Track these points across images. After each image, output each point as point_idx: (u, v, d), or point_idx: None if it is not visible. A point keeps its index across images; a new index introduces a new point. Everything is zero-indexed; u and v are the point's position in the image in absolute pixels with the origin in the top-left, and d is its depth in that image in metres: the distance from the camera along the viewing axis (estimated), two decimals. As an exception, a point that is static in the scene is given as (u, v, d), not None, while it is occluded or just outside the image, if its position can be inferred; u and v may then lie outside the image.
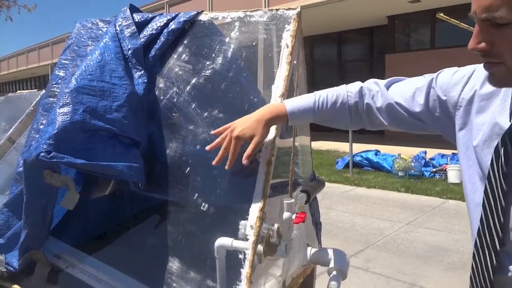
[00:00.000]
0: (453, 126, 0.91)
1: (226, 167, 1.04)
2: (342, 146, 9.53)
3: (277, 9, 1.32)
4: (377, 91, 1.04)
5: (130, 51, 1.37)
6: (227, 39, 1.38)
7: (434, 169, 7.03)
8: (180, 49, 1.44)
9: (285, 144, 1.38)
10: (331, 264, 1.28)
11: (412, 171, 6.84)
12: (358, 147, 7.79)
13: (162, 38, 1.43)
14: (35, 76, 29.51)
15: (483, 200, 0.79)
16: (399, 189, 6.21)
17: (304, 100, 1.08)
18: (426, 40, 11.08)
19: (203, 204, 1.20)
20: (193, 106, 1.33)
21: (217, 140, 1.07)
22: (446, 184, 6.23)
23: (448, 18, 10.16)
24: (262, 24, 1.34)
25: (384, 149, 8.23)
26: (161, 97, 1.38)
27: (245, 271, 1.04)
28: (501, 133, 0.77)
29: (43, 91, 1.76)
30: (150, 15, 1.51)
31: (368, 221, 4.80)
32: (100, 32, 1.54)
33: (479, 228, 0.81)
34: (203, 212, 1.18)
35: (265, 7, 10.60)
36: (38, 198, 1.20)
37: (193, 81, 1.37)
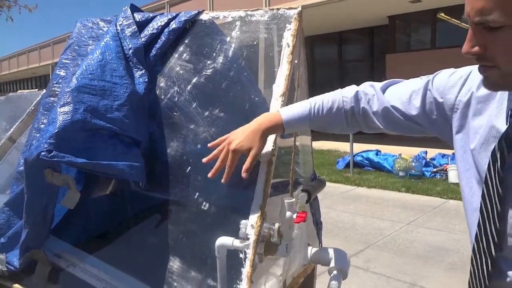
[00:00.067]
0: (450, 128, 0.90)
1: (223, 180, 1.02)
2: (342, 146, 9.53)
3: (278, 9, 1.32)
4: (373, 95, 1.03)
5: (131, 51, 1.37)
6: (228, 39, 1.38)
7: (435, 169, 7.03)
8: (181, 48, 1.44)
9: (286, 143, 1.39)
10: (332, 264, 1.28)
11: (413, 171, 6.84)
12: (358, 147, 7.79)
13: (163, 38, 1.43)
14: (36, 76, 29.53)
15: (481, 204, 0.79)
16: (400, 189, 6.20)
17: (300, 108, 1.07)
18: (426, 40, 11.07)
19: (204, 203, 1.20)
20: (194, 106, 1.33)
21: (214, 152, 1.06)
22: (447, 184, 6.23)
23: (449, 18, 10.15)
24: (263, 23, 1.34)
25: (385, 149, 8.23)
26: (162, 97, 1.38)
27: (245, 270, 1.04)
28: (498, 136, 0.77)
29: (44, 90, 1.76)
30: (151, 15, 1.51)
31: (369, 221, 4.79)
32: (101, 31, 1.54)
33: (476, 233, 0.80)
34: (204, 212, 1.18)
35: (266, 6, 10.60)
36: (39, 197, 1.20)
37: (194, 80, 1.37)
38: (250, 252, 1.04)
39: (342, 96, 1.06)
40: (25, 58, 27.68)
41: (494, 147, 0.76)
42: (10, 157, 2.16)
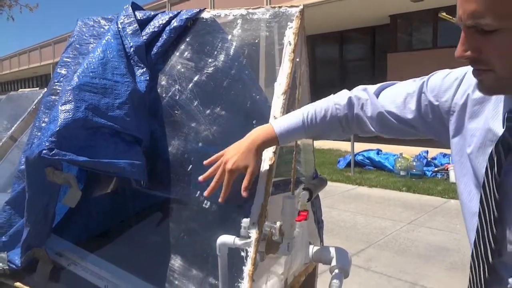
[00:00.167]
0: (447, 131, 0.88)
1: (220, 199, 1.01)
2: (343, 145, 9.52)
3: (279, 7, 1.32)
4: (366, 99, 1.00)
5: (132, 49, 1.37)
6: (229, 37, 1.38)
7: (436, 169, 7.02)
8: (182, 46, 1.43)
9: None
10: (333, 263, 1.28)
11: (414, 170, 6.83)
12: (359, 146, 7.78)
13: (164, 36, 1.43)
14: (37, 75, 29.56)
15: (479, 209, 0.77)
16: (401, 189, 6.20)
17: (292, 119, 1.05)
18: (428, 39, 11.05)
19: (205, 201, 1.20)
20: (195, 104, 1.32)
21: (210, 170, 1.04)
22: (448, 184, 6.22)
23: (451, 17, 10.12)
24: (265, 21, 1.34)
25: (386, 148, 8.21)
26: (163, 95, 1.37)
27: (247, 269, 1.04)
28: (495, 140, 0.75)
29: (45, 89, 1.76)
30: (152, 13, 1.51)
31: (370, 220, 4.79)
32: (102, 30, 1.54)
33: (475, 238, 0.79)
34: (205, 210, 1.18)
35: (267, 4, 10.59)
36: (40, 196, 1.20)
37: (195, 78, 1.37)
38: (251, 251, 1.04)
39: (335, 103, 1.04)
40: (26, 58, 27.71)
41: (491, 151, 0.75)
42: (11, 156, 2.17)
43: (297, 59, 1.27)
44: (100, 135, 1.17)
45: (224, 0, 12.54)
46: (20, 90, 2.99)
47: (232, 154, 1.02)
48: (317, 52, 14.04)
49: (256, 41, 1.34)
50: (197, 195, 1.21)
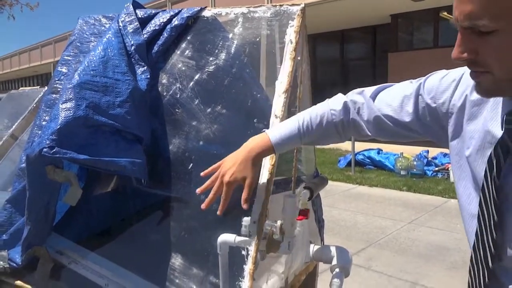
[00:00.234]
0: (446, 133, 0.86)
1: (218, 212, 1.00)
2: (344, 145, 9.51)
3: (281, 5, 1.32)
4: (362, 103, 0.99)
5: (133, 47, 1.37)
6: (230, 35, 1.38)
7: (437, 168, 7.02)
8: (183, 45, 1.43)
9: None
10: (334, 262, 1.27)
11: (414, 170, 6.83)
12: (360, 146, 7.78)
13: (165, 34, 1.43)
14: (38, 74, 29.57)
15: (478, 213, 0.76)
16: (401, 188, 6.20)
17: (288, 128, 1.03)
18: (429, 39, 11.04)
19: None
20: (196, 102, 1.32)
21: (207, 182, 1.03)
22: (449, 183, 6.22)
23: (452, 17, 10.09)
24: (266, 20, 1.34)
25: (387, 147, 8.21)
26: (164, 93, 1.37)
27: (248, 267, 1.04)
28: (494, 142, 0.73)
29: (46, 88, 1.76)
30: (153, 11, 1.50)
31: (370, 220, 4.79)
32: (103, 28, 1.54)
33: (474, 242, 0.77)
34: (206, 208, 1.18)
35: (268, 3, 10.58)
36: (41, 194, 1.20)
37: (196, 77, 1.36)
38: (252, 249, 1.04)
39: (330, 109, 1.02)
40: (26, 56, 27.71)
41: (490, 154, 0.73)
42: (12, 154, 2.16)
43: (299, 58, 1.26)
44: (101, 133, 1.17)
45: (225, -1, 12.53)
46: (21, 88, 2.99)
47: (229, 166, 1.00)
48: (318, 52, 14.03)
49: (257, 39, 1.34)
50: (197, 193, 1.21)
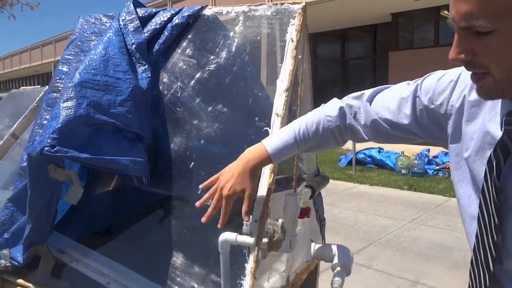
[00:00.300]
0: (445, 135, 0.85)
1: (219, 226, 1.00)
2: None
3: (281, 4, 1.31)
4: (359, 107, 0.98)
5: (134, 46, 1.37)
6: (231, 34, 1.38)
7: (438, 167, 7.01)
8: (184, 43, 1.43)
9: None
10: (335, 260, 1.27)
11: (415, 168, 6.83)
12: (361, 145, 7.77)
13: (166, 33, 1.43)
14: (38, 73, 29.59)
15: (478, 215, 0.74)
16: (402, 187, 6.19)
17: (284, 137, 1.01)
18: (430, 37, 11.03)
19: (207, 199, 1.19)
20: (197, 101, 1.32)
21: (206, 196, 1.03)
22: (450, 182, 6.21)
23: (452, 15, 10.07)
24: (266, 18, 1.33)
25: (387, 146, 8.20)
26: (165, 92, 1.37)
27: (249, 266, 1.04)
28: (493, 143, 0.72)
29: (47, 87, 1.76)
30: (154, 10, 1.50)
31: (371, 219, 4.79)
32: (103, 27, 1.54)
33: (474, 244, 0.76)
34: (207, 207, 1.18)
35: (269, 1, 10.56)
36: (42, 193, 1.20)
37: (197, 75, 1.36)
38: (253, 248, 1.04)
39: (326, 115, 1.01)
40: (27, 56, 27.73)
41: (490, 155, 0.72)
42: (13, 154, 2.17)
43: (300, 56, 1.26)
44: (102, 132, 1.17)
45: (225, -3, 12.52)
46: (22, 87, 2.99)
47: (228, 179, 1.00)
48: (318, 51, 14.02)
49: (258, 38, 1.34)
50: (199, 192, 1.21)
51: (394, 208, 5.21)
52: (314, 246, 1.35)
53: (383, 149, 7.90)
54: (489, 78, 0.66)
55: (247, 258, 1.04)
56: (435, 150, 7.62)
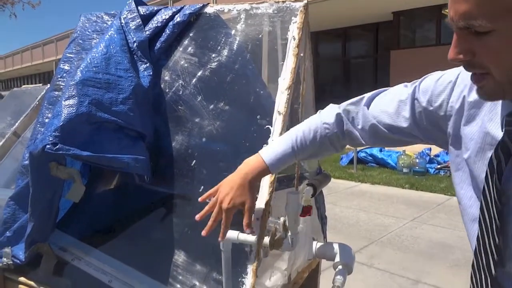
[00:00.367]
0: (445, 136, 0.84)
1: (220, 239, 0.99)
2: (346, 143, 9.49)
3: (283, 1, 1.31)
4: (357, 112, 0.96)
5: (135, 44, 1.36)
6: (232, 32, 1.38)
7: (439, 166, 7.00)
8: (185, 41, 1.43)
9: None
10: (337, 259, 1.27)
11: (417, 167, 6.82)
12: (362, 144, 7.76)
13: (167, 31, 1.43)
14: (40, 72, 29.62)
15: (479, 217, 0.73)
16: (404, 186, 6.19)
17: (281, 146, 1.00)
18: (431, 36, 11.01)
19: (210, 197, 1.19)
20: (198, 99, 1.32)
21: (206, 209, 1.01)
22: (451, 181, 6.18)
23: (454, 14, 10.04)
24: (268, 16, 1.33)
25: (389, 145, 8.19)
26: (167, 90, 1.37)
27: (251, 264, 1.04)
28: (494, 144, 0.71)
29: (48, 85, 1.76)
30: (155, 8, 1.50)
31: (372, 217, 4.79)
32: (105, 25, 1.54)
33: (475, 247, 0.74)
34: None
35: None
36: (44, 191, 1.20)
37: (199, 73, 1.36)
38: (255, 246, 1.04)
39: (323, 122, 1.00)
40: (28, 55, 27.76)
41: (491, 156, 0.71)
42: (14, 152, 2.17)
43: (301, 54, 1.26)
44: (104, 130, 1.17)
45: (227, -4, 12.51)
46: (23, 86, 2.99)
47: (227, 192, 0.99)
48: (320, 49, 14.00)
49: (260, 36, 1.34)
50: (200, 190, 1.21)
51: (396, 207, 5.21)
52: (316, 245, 1.35)
53: (384, 148, 7.89)
54: (489, 79, 0.65)
55: (248, 256, 1.04)
56: (436, 149, 7.61)
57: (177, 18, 1.44)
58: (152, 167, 1.24)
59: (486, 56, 0.63)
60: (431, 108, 0.84)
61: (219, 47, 1.37)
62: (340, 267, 1.25)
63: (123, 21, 1.42)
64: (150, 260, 1.21)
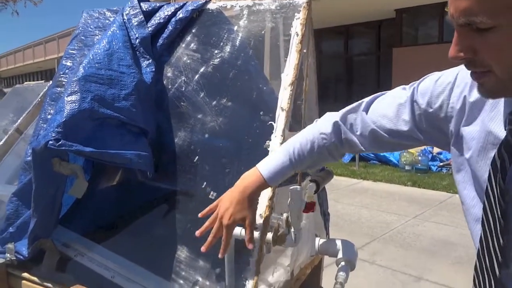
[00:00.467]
0: (446, 137, 0.83)
1: (220, 255, 0.99)
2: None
3: (286, -3, 1.31)
4: (355, 118, 0.95)
5: (138, 40, 1.36)
6: (235, 28, 1.37)
7: (441, 163, 6.99)
8: (188, 38, 1.43)
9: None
10: (340, 255, 1.27)
11: (419, 165, 6.81)
12: (364, 141, 7.75)
13: (170, 27, 1.42)
14: (42, 70, 29.66)
15: (482, 217, 0.72)
16: (406, 183, 6.18)
17: (279, 159, 0.99)
18: (434, 34, 10.96)
19: (212, 193, 1.19)
20: (201, 95, 1.32)
21: (206, 224, 1.01)
22: (453, 179, 6.18)
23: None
24: (271, 12, 1.33)
25: (391, 143, 8.18)
26: (169, 86, 1.37)
27: (254, 260, 1.04)
28: (497, 143, 0.70)
29: (50, 82, 1.76)
30: (158, 4, 1.50)
31: (375, 214, 4.78)
32: (107, 21, 1.53)
33: (478, 249, 0.73)
34: (211, 201, 1.17)
35: None
36: (47, 187, 1.20)
37: (201, 70, 1.36)
38: (258, 242, 1.04)
39: (320, 132, 0.99)
40: (30, 52, 27.79)
41: (494, 156, 0.69)
42: (17, 149, 2.17)
43: (304, 50, 1.26)
44: (107, 126, 1.17)
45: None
46: (25, 83, 3.00)
47: (227, 207, 0.98)
48: (322, 47, 13.97)
49: (262, 32, 1.34)
50: (203, 186, 1.21)
51: (398, 204, 5.20)
52: (319, 241, 1.35)
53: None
54: (490, 76, 0.64)
55: (251, 252, 1.04)
56: (438, 147, 7.58)
57: (180, 15, 1.44)
58: (155, 163, 1.24)
59: (487, 53, 0.62)
60: (431, 110, 0.83)
61: (221, 43, 1.36)
62: (342, 263, 1.25)
63: (125, 17, 1.42)
64: (153, 256, 1.21)
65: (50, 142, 1.07)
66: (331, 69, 13.63)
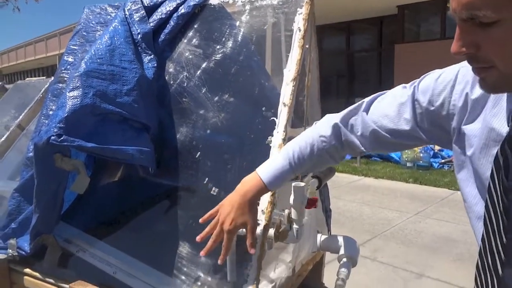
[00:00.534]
0: (448, 135, 0.82)
1: (220, 261, 0.98)
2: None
3: (288, -8, 1.30)
4: (355, 119, 0.94)
5: (139, 35, 1.36)
6: (237, 23, 1.37)
7: (443, 160, 6.99)
8: (190, 33, 1.42)
9: (296, 132, 1.36)
10: (341, 251, 1.27)
11: (421, 162, 6.81)
12: (366, 138, 7.74)
13: (171, 23, 1.42)
14: (43, 66, 29.65)
15: (484, 215, 0.71)
16: (408, 180, 6.18)
17: (278, 164, 0.98)
18: (436, 30, 10.92)
19: (213, 189, 1.19)
20: (203, 91, 1.32)
21: (207, 230, 1.00)
22: (455, 176, 6.17)
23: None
24: (273, 8, 1.32)
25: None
26: (171, 82, 1.36)
27: (255, 256, 1.03)
28: (499, 140, 0.69)
29: (52, 78, 1.76)
30: (160, 0, 1.49)
31: (376, 211, 4.78)
32: (109, 17, 1.53)
33: (480, 247, 0.72)
34: (213, 197, 1.18)
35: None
36: (49, 183, 1.20)
37: (203, 65, 1.35)
38: (260, 238, 1.04)
39: (320, 135, 0.98)
40: (32, 49, 27.77)
41: (497, 153, 0.68)
42: (19, 145, 2.17)
43: (307, 46, 1.25)
44: (108, 121, 1.16)
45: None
46: (27, 79, 3.00)
47: (228, 212, 0.97)
48: (324, 43, 13.93)
49: (265, 27, 1.33)
50: (205, 182, 1.21)
51: (399, 201, 5.20)
52: (320, 237, 1.35)
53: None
54: (493, 71, 0.63)
55: (253, 248, 1.03)
56: (440, 144, 7.57)
57: (182, 10, 1.43)
58: (157, 159, 1.24)
59: (491, 48, 0.61)
60: (432, 108, 0.82)
61: (223, 39, 1.36)
62: (344, 259, 1.25)
63: (127, 12, 1.42)
64: (154, 252, 1.21)
65: (52, 137, 1.07)
66: (333, 65, 13.59)
